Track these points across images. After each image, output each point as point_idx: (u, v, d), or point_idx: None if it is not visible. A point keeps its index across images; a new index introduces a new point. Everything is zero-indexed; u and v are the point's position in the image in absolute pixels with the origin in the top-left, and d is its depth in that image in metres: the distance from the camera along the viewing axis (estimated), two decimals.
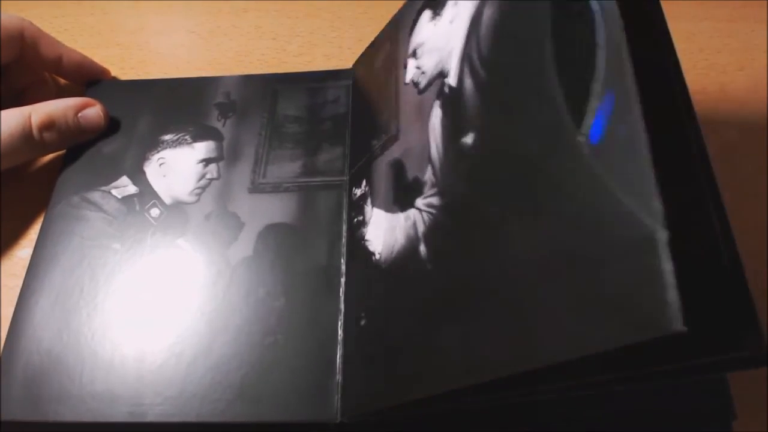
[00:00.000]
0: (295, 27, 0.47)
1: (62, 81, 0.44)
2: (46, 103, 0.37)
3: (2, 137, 0.35)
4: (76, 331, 0.32)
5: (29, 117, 0.36)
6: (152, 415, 0.29)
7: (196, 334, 0.31)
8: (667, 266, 0.17)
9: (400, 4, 0.48)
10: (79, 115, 0.38)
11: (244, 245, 0.34)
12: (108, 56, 0.44)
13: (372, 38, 0.46)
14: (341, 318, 0.31)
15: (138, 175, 0.37)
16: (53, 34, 0.41)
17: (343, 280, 0.32)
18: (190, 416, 0.29)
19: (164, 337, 0.31)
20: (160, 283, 0.33)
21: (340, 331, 0.31)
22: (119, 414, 0.29)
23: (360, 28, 0.47)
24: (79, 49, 0.42)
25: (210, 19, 0.48)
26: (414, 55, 0.33)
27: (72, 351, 0.31)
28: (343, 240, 0.33)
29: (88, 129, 0.38)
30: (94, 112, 0.38)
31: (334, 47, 0.46)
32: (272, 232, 0.34)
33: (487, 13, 0.27)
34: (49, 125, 0.36)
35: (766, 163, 0.38)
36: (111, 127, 0.39)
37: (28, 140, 0.36)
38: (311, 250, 0.33)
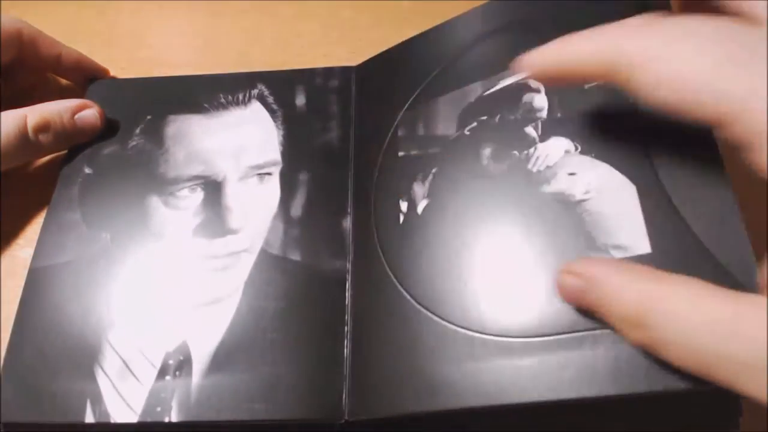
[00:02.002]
0: (295, 27, 0.47)
1: (64, 82, 0.44)
2: (42, 104, 0.37)
3: None
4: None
5: (25, 118, 0.36)
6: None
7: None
8: None
9: (400, 4, 0.48)
10: (76, 116, 0.38)
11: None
12: (108, 56, 0.44)
13: (372, 38, 0.46)
14: (348, 317, 0.31)
15: None
16: (53, 35, 0.41)
17: (349, 280, 0.32)
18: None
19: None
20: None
21: (347, 328, 0.31)
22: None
23: (360, 28, 0.47)
24: (79, 50, 0.42)
25: (210, 19, 0.48)
26: None
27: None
28: (350, 239, 0.33)
29: (84, 131, 0.38)
30: (90, 114, 0.38)
31: (334, 47, 0.46)
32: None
33: None
34: (44, 127, 0.36)
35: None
36: (112, 126, 0.39)
37: (24, 142, 0.36)
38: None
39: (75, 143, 0.38)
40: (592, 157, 0.28)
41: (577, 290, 0.24)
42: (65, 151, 0.39)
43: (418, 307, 0.30)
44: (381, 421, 0.29)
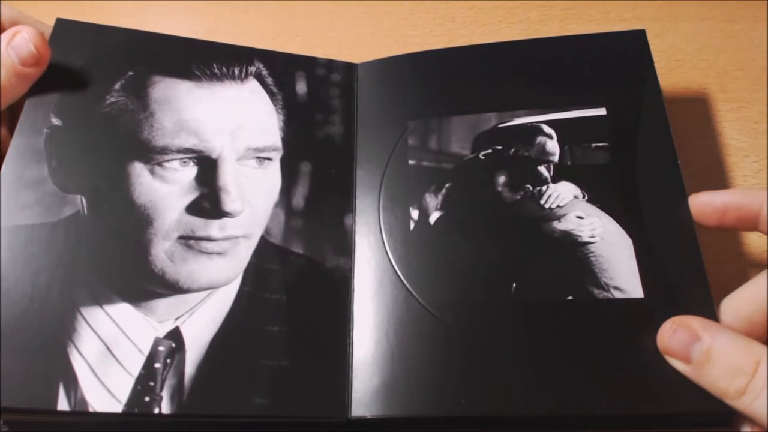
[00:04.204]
0: (295, 27, 0.47)
1: None
2: None
3: None
4: None
5: None
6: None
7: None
8: None
9: (400, 4, 0.48)
10: (9, 46, 0.33)
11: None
12: None
13: (372, 38, 0.46)
14: (353, 316, 0.31)
15: None
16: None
17: (352, 278, 0.32)
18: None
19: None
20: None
21: (352, 327, 0.31)
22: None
23: (360, 28, 0.47)
24: None
25: (210, 19, 0.48)
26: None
27: None
28: (353, 237, 0.34)
29: (25, 61, 0.33)
30: (21, 39, 0.33)
31: (334, 47, 0.46)
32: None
33: None
34: None
35: (767, 163, 0.39)
36: (84, 75, 0.35)
37: None
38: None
39: (24, 81, 0.34)
40: (597, 206, 0.32)
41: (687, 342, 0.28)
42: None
43: (428, 313, 0.31)
44: (384, 421, 0.29)
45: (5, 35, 0.33)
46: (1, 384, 0.27)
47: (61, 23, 0.37)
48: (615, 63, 0.36)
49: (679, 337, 0.27)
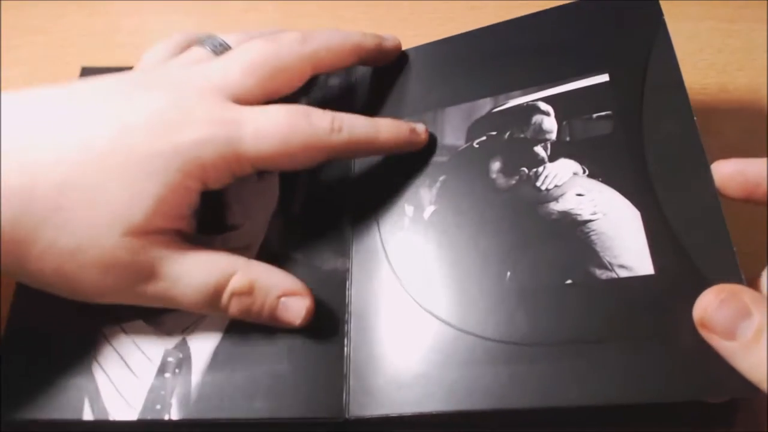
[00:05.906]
0: (295, 27, 0.47)
1: None
2: (252, 262, 0.30)
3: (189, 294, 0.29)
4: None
5: (230, 274, 0.29)
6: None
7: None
8: None
9: (400, 4, 0.48)
10: (281, 301, 0.30)
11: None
12: (108, 57, 0.44)
13: None
14: (349, 314, 0.31)
15: None
16: (53, 34, 0.41)
17: (349, 278, 0.32)
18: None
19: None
20: None
21: (348, 326, 0.31)
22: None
23: (360, 28, 0.46)
24: (79, 50, 0.42)
25: (210, 20, 0.48)
26: None
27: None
28: (351, 238, 0.34)
29: (280, 321, 0.30)
30: (298, 304, 0.30)
31: None
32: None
33: None
34: (244, 293, 0.29)
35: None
36: None
37: (209, 303, 0.29)
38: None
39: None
40: (599, 180, 0.30)
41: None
42: None
43: (422, 310, 0.30)
44: (382, 420, 0.29)
45: (283, 281, 0.30)
46: (40, 398, 0.30)
47: (86, 71, 0.40)
48: (617, 24, 0.33)
49: (726, 312, 0.23)
